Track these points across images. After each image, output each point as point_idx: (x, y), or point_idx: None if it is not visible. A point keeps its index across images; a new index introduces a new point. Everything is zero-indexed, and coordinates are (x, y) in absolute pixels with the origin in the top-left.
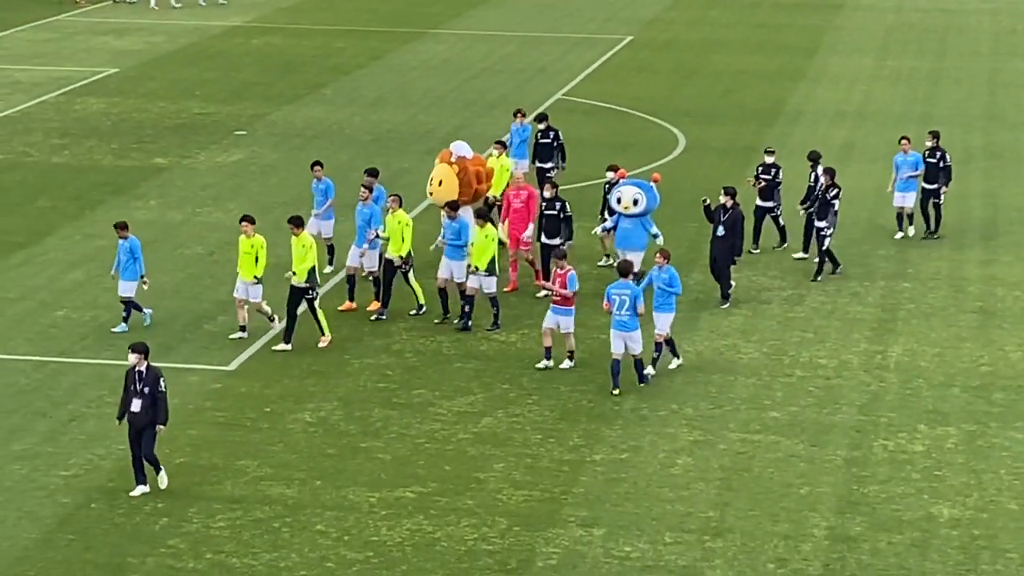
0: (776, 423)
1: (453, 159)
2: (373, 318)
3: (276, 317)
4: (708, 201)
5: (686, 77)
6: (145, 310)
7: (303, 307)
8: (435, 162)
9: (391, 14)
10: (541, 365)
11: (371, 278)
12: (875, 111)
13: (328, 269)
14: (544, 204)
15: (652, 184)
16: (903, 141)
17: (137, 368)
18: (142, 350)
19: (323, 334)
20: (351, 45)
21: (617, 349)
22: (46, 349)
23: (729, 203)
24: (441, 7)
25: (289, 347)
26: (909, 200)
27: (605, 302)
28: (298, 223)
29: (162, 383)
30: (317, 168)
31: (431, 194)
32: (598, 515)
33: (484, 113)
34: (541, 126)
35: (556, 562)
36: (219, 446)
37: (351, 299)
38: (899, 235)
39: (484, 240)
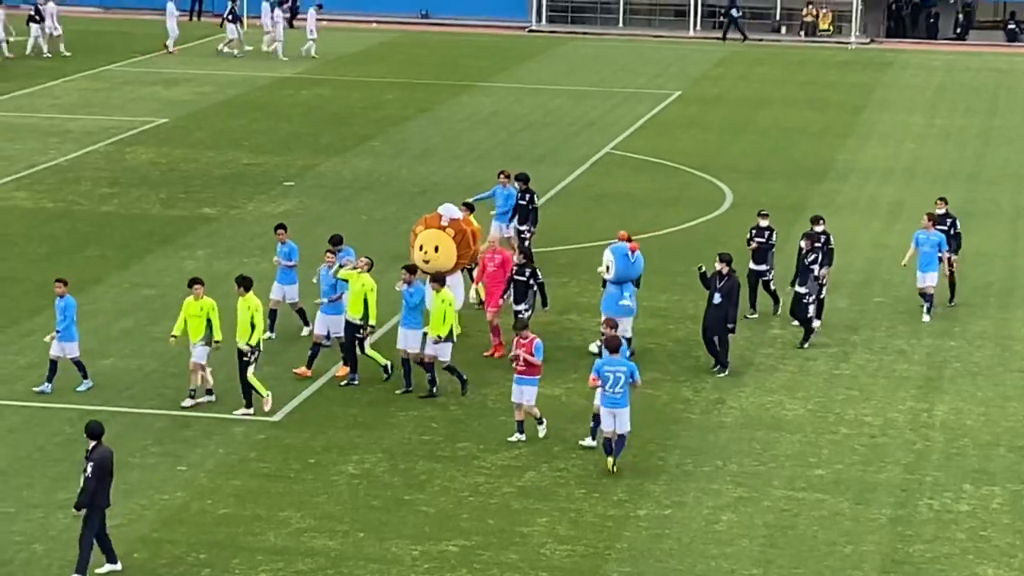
0: (821, 481)
1: (444, 222)
2: (343, 383)
3: (203, 396)
4: (704, 268)
5: (734, 133)
6: (85, 381)
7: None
8: (415, 229)
9: (439, 67)
10: (513, 439)
11: (339, 343)
12: (924, 169)
13: (305, 331)
14: (514, 269)
15: (628, 252)
16: (925, 218)
17: (87, 448)
18: (88, 430)
19: (248, 405)
20: (399, 97)
21: (608, 427)
22: (92, 398)
23: (725, 270)
24: (490, 60)
25: (251, 411)
26: (931, 280)
27: (593, 376)
28: (244, 284)
29: (89, 468)
30: (280, 232)
31: (427, 262)
32: (642, 570)
33: (532, 166)
34: (518, 186)
35: None
36: (262, 497)
37: (309, 366)
38: (926, 318)
39: (440, 306)
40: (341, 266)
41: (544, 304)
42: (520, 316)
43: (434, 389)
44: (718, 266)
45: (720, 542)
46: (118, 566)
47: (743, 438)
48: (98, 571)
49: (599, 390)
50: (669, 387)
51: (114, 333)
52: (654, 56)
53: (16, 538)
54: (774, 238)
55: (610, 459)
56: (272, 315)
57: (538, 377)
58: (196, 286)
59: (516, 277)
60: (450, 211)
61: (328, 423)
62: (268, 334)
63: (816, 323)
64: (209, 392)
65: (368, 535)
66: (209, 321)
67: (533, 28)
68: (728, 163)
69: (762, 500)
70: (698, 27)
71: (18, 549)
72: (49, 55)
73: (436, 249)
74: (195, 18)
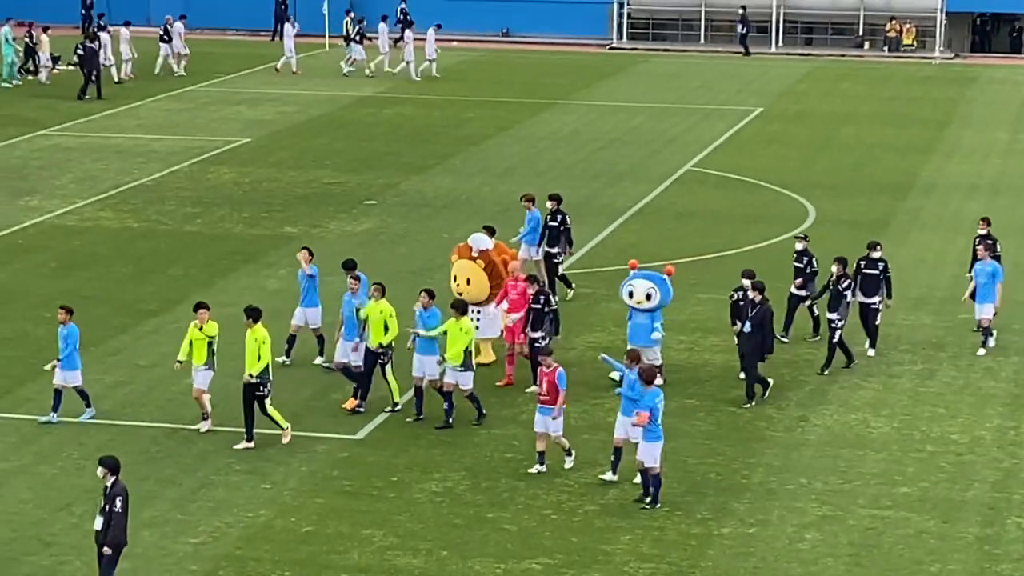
0: (907, 499)
1: (474, 254)
2: (351, 412)
3: (209, 418)
4: (736, 296)
5: (817, 149)
6: (88, 410)
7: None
8: (451, 259)
9: (520, 85)
10: (534, 471)
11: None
12: (1009, 185)
13: (318, 360)
14: (531, 296)
15: (665, 277)
16: (979, 249)
17: (104, 483)
18: (107, 464)
19: (283, 428)
20: (480, 115)
21: (649, 461)
22: (177, 416)
23: (757, 298)
24: (571, 78)
25: (252, 445)
26: (987, 312)
27: (645, 413)
28: (252, 315)
29: (118, 502)
30: (304, 252)
31: (461, 295)
32: None
33: (613, 184)
34: (550, 206)
35: None
36: (345, 515)
37: (355, 395)
38: (981, 352)
39: (458, 333)
40: (357, 309)
41: (556, 332)
42: (536, 344)
43: (450, 420)
44: (750, 294)
45: (804, 561)
46: None
47: (827, 456)
48: None
49: (623, 422)
50: (752, 405)
51: None
52: (735, 72)
53: None
54: (815, 264)
55: (648, 499)
56: (291, 340)
57: (562, 407)
58: (201, 311)
59: (532, 306)
60: (479, 242)
61: (410, 441)
62: (284, 359)
63: (871, 351)
64: (205, 417)
65: (451, 553)
66: (211, 346)
67: (614, 45)
68: (811, 180)
69: (847, 518)
70: (780, 43)
71: None
72: (183, 73)
73: (468, 281)
74: (276, 38)
